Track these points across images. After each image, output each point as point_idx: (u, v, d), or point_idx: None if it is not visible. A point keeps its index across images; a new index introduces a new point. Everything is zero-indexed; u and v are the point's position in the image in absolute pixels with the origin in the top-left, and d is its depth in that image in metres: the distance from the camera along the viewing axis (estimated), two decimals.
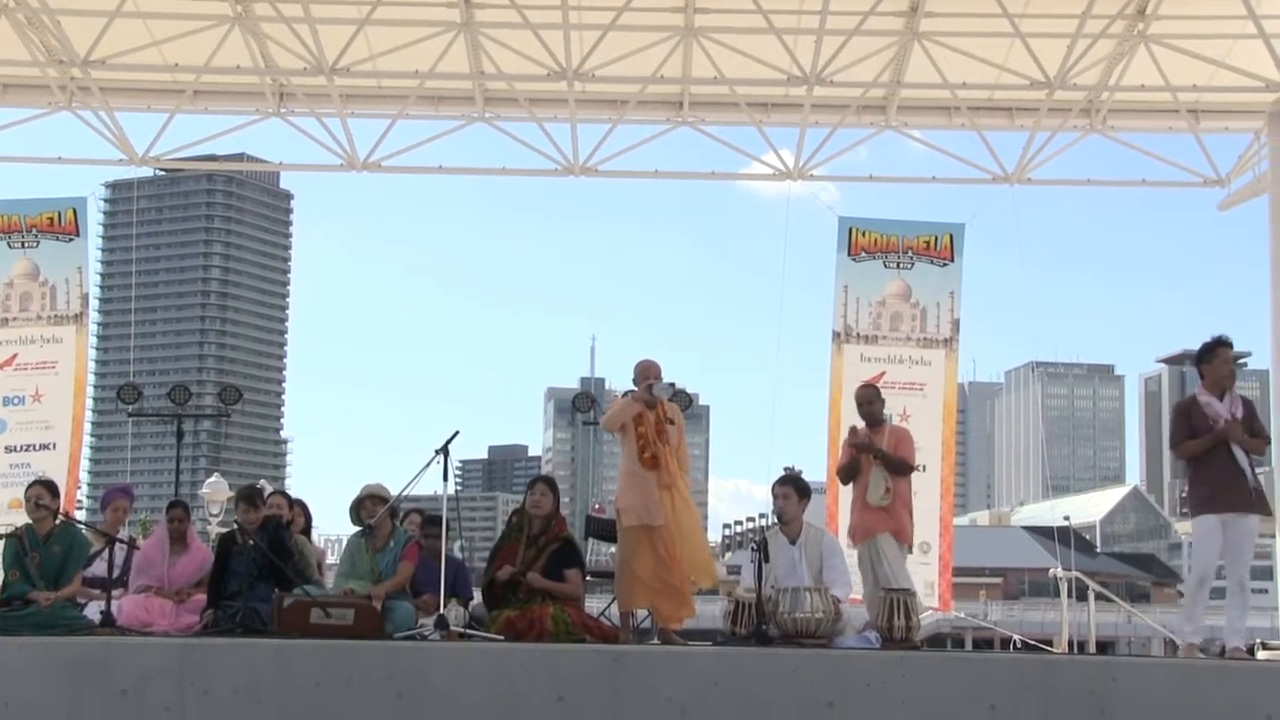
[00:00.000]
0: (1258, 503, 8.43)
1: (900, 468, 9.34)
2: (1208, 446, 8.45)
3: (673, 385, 9.02)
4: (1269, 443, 8.67)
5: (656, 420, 8.97)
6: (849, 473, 9.53)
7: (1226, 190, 14.41)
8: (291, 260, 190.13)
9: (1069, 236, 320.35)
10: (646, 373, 9.04)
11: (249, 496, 9.10)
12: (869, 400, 9.64)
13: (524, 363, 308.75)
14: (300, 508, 10.19)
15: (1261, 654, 12.63)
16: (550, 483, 9.13)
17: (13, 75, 13.76)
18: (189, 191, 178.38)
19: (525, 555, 8.74)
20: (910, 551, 9.66)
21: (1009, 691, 7.07)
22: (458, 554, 10.08)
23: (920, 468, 11.99)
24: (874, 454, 9.30)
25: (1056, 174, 14.91)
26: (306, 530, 10.19)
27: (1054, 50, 12.74)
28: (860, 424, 9.68)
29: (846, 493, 12.96)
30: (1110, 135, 14.14)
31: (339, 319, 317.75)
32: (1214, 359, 8.60)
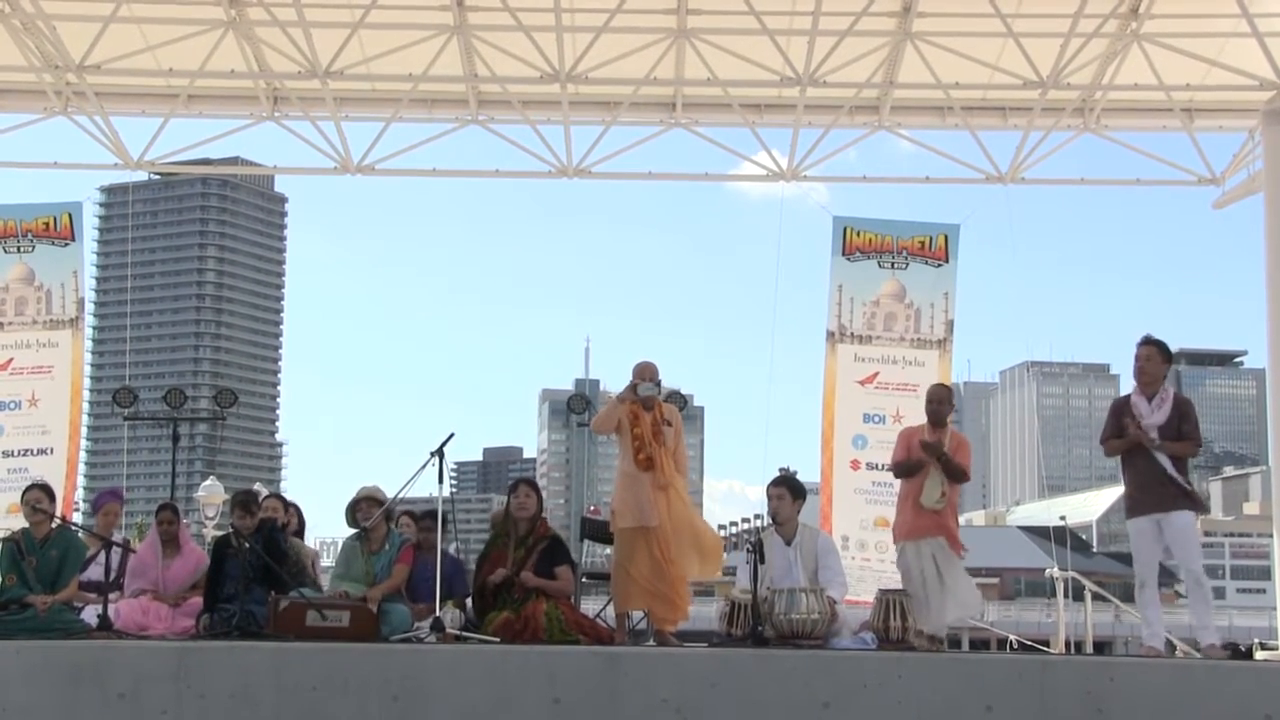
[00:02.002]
0: (1188, 500, 8.40)
1: (960, 476, 9.15)
2: (1124, 448, 8.52)
3: (657, 385, 8.99)
4: (1198, 445, 8.62)
5: (653, 422, 8.98)
6: (907, 470, 9.27)
7: (1221, 189, 14.42)
8: (286, 263, 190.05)
9: (1063, 236, 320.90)
10: (639, 374, 9.06)
11: (243, 502, 9.10)
12: (940, 400, 9.37)
13: (518, 365, 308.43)
14: (294, 510, 10.20)
15: (1260, 654, 12.62)
16: (533, 484, 9.18)
17: (8, 80, 13.76)
18: (184, 195, 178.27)
19: (515, 556, 8.75)
20: (961, 557, 9.50)
21: (1006, 692, 7.08)
22: (452, 553, 10.09)
23: None
24: (940, 458, 9.09)
25: (1050, 173, 14.93)
26: (300, 532, 10.20)
27: (1047, 50, 12.75)
28: (912, 423, 9.53)
29: (843, 494, 13.12)
30: (1104, 134, 14.16)
31: (333, 322, 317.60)
32: (1135, 358, 8.63)
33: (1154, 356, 8.62)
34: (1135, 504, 8.54)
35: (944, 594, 8.92)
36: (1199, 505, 8.54)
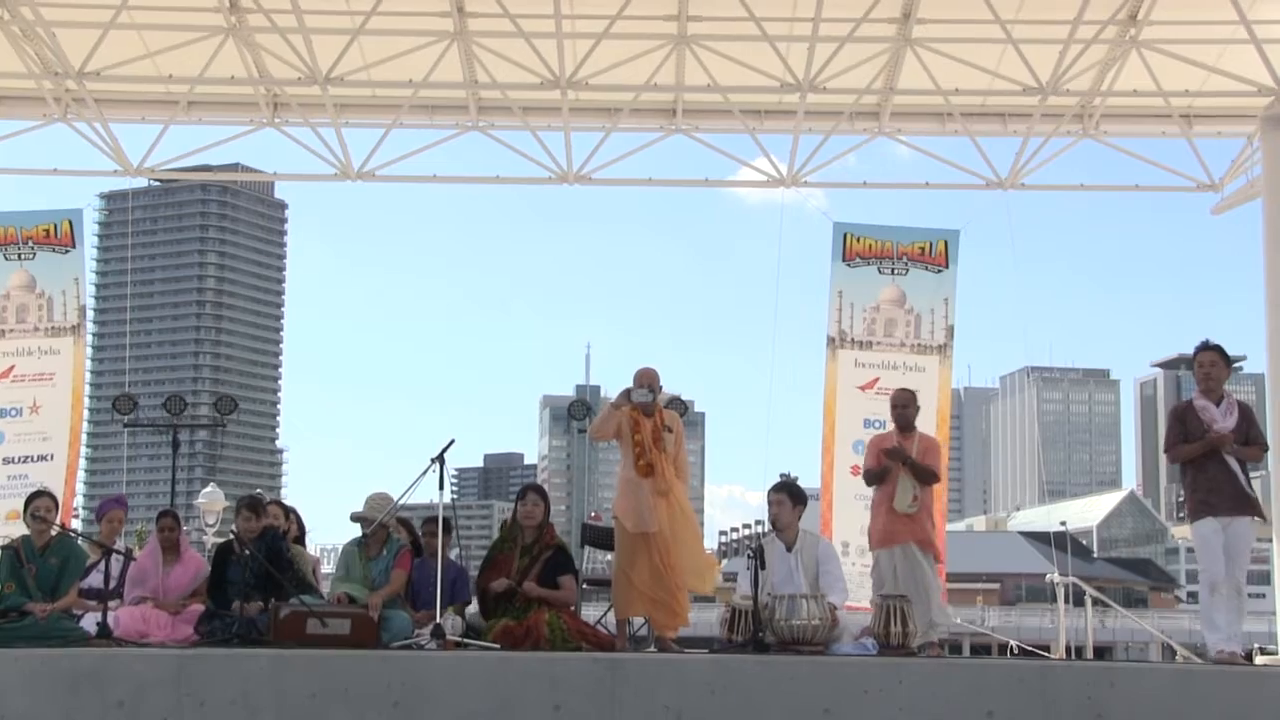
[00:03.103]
0: (1252, 506, 8.43)
1: (929, 478, 9.26)
2: (1199, 453, 8.44)
3: (652, 391, 8.98)
4: (1266, 449, 8.65)
5: (654, 428, 8.98)
6: (877, 476, 9.39)
7: (1220, 194, 14.44)
8: (286, 270, 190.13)
9: (1063, 241, 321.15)
10: (638, 380, 9.07)
11: (251, 504, 9.10)
12: (904, 404, 9.49)
13: (519, 370, 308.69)
14: (294, 516, 10.20)
15: (1259, 659, 12.62)
16: (541, 491, 9.14)
17: (8, 88, 13.78)
18: (184, 202, 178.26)
19: (520, 565, 8.74)
20: (939, 561, 9.57)
21: (1006, 697, 7.07)
22: (455, 560, 10.08)
23: None
24: (905, 463, 9.20)
25: (1050, 179, 14.99)
26: (300, 538, 10.19)
27: (1046, 56, 12.77)
28: (891, 426, 9.58)
29: (844, 500, 13.11)
30: (1103, 140, 14.18)
31: (333, 328, 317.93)
32: (1195, 363, 8.63)
33: (1217, 362, 8.59)
34: (1203, 506, 8.42)
35: (920, 599, 8.96)
36: (1261, 512, 8.51)
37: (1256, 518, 8.46)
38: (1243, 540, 8.41)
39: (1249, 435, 8.48)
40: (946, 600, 9.47)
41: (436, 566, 8.68)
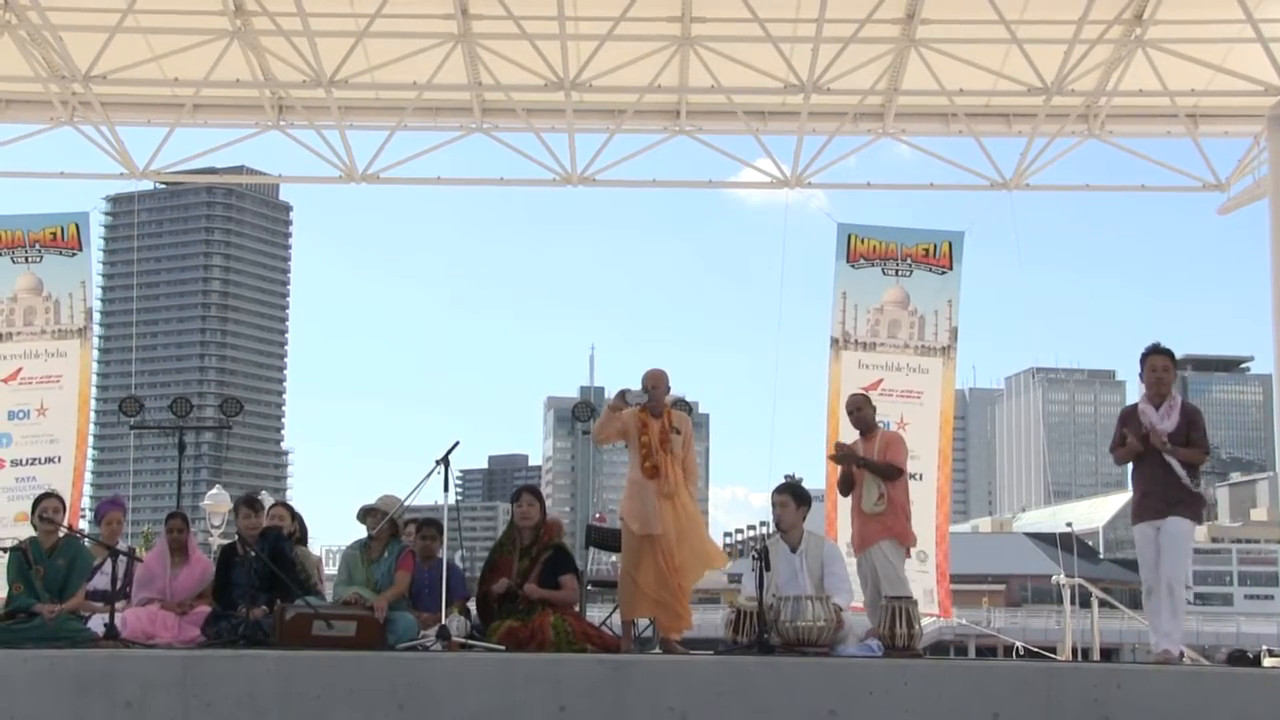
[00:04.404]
0: (1187, 507, 8.40)
1: (887, 472, 9.34)
2: (1131, 455, 8.51)
3: (646, 392, 9.02)
4: (1207, 453, 8.63)
5: (661, 430, 8.99)
6: (846, 484, 9.57)
7: (1226, 194, 14.41)
8: (291, 272, 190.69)
9: (1068, 242, 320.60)
10: (644, 381, 9.09)
11: (249, 501, 9.16)
12: (857, 407, 9.69)
13: (524, 372, 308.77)
14: (297, 518, 10.21)
15: (1268, 661, 12.60)
16: (536, 492, 9.17)
17: (15, 91, 13.80)
18: (189, 204, 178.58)
19: (520, 567, 8.75)
20: (909, 556, 9.66)
21: (1012, 699, 7.07)
22: (459, 563, 10.09)
23: (916, 476, 12.01)
24: (857, 464, 9.35)
25: (1055, 180, 14.98)
26: (303, 540, 10.21)
27: (1051, 56, 12.75)
28: (854, 436, 9.71)
29: (847, 500, 13.09)
30: (1109, 140, 14.15)
31: (338, 330, 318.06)
32: (1144, 366, 8.64)
33: (1170, 366, 8.63)
34: (1139, 510, 8.56)
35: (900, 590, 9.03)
36: (1197, 513, 8.50)
37: (1191, 520, 8.39)
38: (1177, 539, 8.36)
39: (1189, 437, 8.48)
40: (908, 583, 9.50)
41: (427, 566, 8.71)
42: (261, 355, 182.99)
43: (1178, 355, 8.89)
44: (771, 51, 12.81)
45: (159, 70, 13.30)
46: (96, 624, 8.56)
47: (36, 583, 8.64)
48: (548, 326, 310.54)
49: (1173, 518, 8.36)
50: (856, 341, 13.46)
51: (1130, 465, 8.69)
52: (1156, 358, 8.61)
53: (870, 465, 9.33)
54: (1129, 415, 8.68)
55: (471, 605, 9.03)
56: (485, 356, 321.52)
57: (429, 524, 9.43)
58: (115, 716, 6.97)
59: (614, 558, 9.69)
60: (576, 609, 8.94)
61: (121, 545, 9.58)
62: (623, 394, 8.98)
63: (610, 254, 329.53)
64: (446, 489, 8.58)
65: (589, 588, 10.05)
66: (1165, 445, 8.39)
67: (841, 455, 9.32)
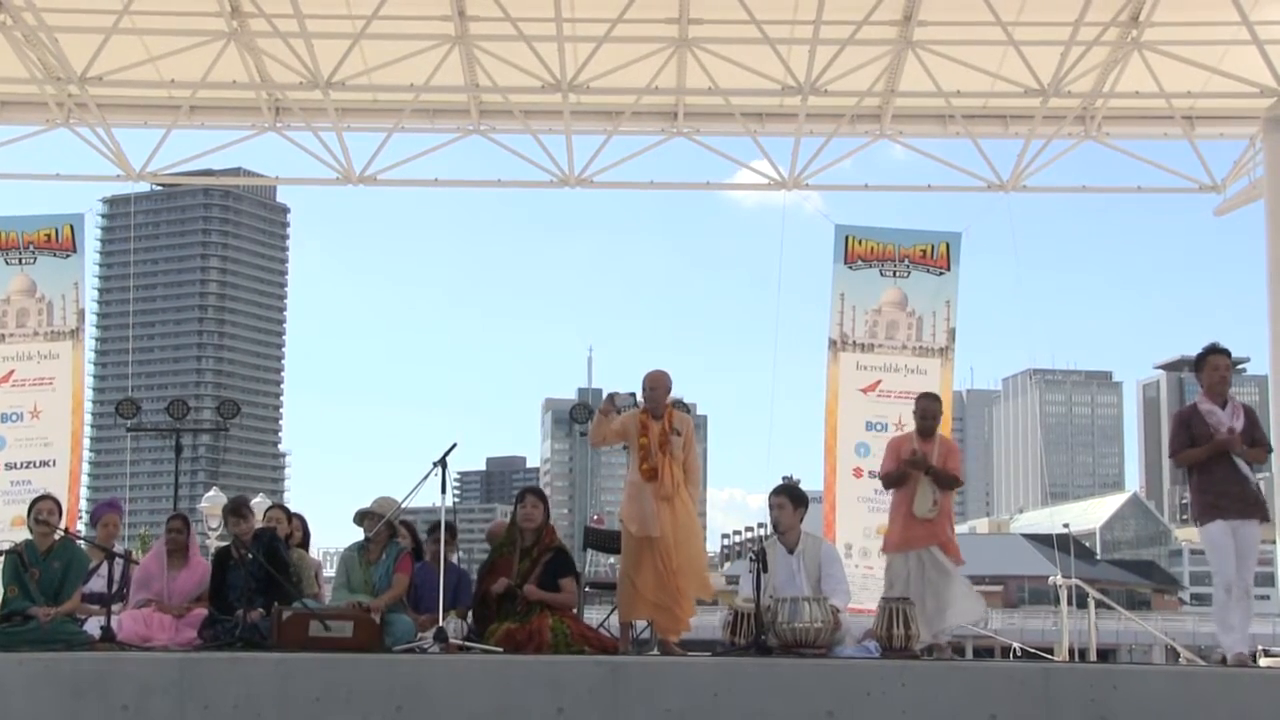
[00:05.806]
0: (1260, 509, 8.44)
1: (951, 484, 9.22)
2: (1206, 456, 8.43)
3: (634, 395, 9.02)
4: (1270, 451, 8.68)
5: (661, 431, 8.98)
6: (895, 480, 9.33)
7: (1222, 196, 14.43)
8: (288, 274, 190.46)
9: (1065, 243, 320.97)
10: (643, 382, 9.08)
11: (235, 508, 9.17)
12: (931, 415, 9.41)
13: (521, 374, 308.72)
14: (299, 521, 10.21)
15: (1264, 661, 12.62)
16: (539, 494, 9.14)
17: (11, 93, 13.80)
18: (186, 206, 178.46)
19: (520, 568, 8.73)
20: (960, 562, 9.51)
21: (1009, 700, 7.07)
22: (456, 563, 10.09)
23: None
24: (927, 471, 9.14)
25: (1052, 181, 14.95)
26: (305, 543, 10.20)
27: (1048, 58, 12.76)
28: (910, 428, 9.51)
29: (846, 502, 13.11)
30: (1105, 142, 14.17)
31: (336, 332, 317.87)
32: (1205, 366, 8.61)
33: (1230, 366, 8.63)
34: (1212, 509, 8.41)
35: (941, 601, 8.95)
36: (1267, 514, 8.52)
37: (1263, 521, 8.47)
38: (1251, 543, 8.41)
39: (1254, 437, 8.49)
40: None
41: (438, 570, 8.69)
42: (259, 357, 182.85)
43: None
44: (769, 53, 12.82)
45: (155, 72, 13.30)
46: (93, 627, 8.55)
47: (32, 586, 8.61)
48: (545, 328, 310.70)
49: (1251, 520, 8.38)
50: (854, 343, 13.46)
51: (1184, 467, 8.65)
52: (1217, 357, 8.58)
53: (940, 475, 9.15)
54: (1190, 416, 8.59)
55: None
56: (483, 358, 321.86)
57: (437, 527, 9.41)
58: (111, 719, 6.96)
59: (612, 560, 9.69)
60: (575, 612, 8.93)
61: (118, 548, 9.57)
62: (611, 398, 8.98)
63: (608, 256, 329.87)
64: (444, 491, 8.57)
65: (587, 589, 10.04)
66: (1243, 450, 8.37)
67: (914, 461, 9.17)
